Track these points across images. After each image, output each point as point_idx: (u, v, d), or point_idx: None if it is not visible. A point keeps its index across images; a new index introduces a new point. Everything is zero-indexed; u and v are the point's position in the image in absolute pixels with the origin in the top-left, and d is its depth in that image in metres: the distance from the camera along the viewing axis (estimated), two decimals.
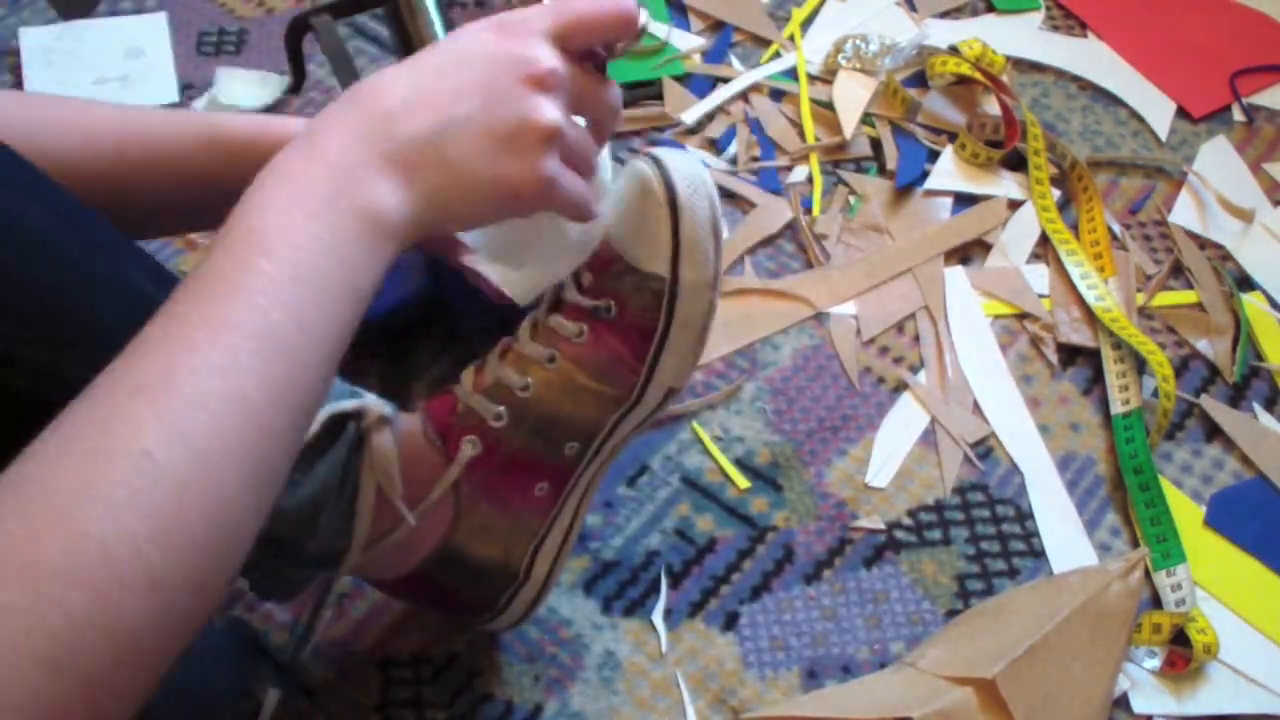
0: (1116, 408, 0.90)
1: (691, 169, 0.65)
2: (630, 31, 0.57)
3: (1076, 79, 1.14)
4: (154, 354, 0.44)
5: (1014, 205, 1.03)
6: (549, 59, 0.53)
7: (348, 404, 0.64)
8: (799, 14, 1.16)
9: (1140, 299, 0.98)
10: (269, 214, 0.48)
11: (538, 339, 0.67)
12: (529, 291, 0.67)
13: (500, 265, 0.67)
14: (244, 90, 1.07)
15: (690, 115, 1.07)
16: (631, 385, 0.67)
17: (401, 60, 0.56)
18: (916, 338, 0.95)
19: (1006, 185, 1.04)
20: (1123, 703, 0.78)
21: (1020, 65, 1.14)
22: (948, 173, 1.05)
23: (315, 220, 0.48)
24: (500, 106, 0.52)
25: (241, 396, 0.44)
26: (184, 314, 0.45)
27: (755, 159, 1.05)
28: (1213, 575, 0.83)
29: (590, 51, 0.57)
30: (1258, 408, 0.92)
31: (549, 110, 0.53)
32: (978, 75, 1.07)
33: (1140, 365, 0.92)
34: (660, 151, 0.65)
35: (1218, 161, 1.08)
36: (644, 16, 0.57)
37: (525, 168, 0.53)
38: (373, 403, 0.65)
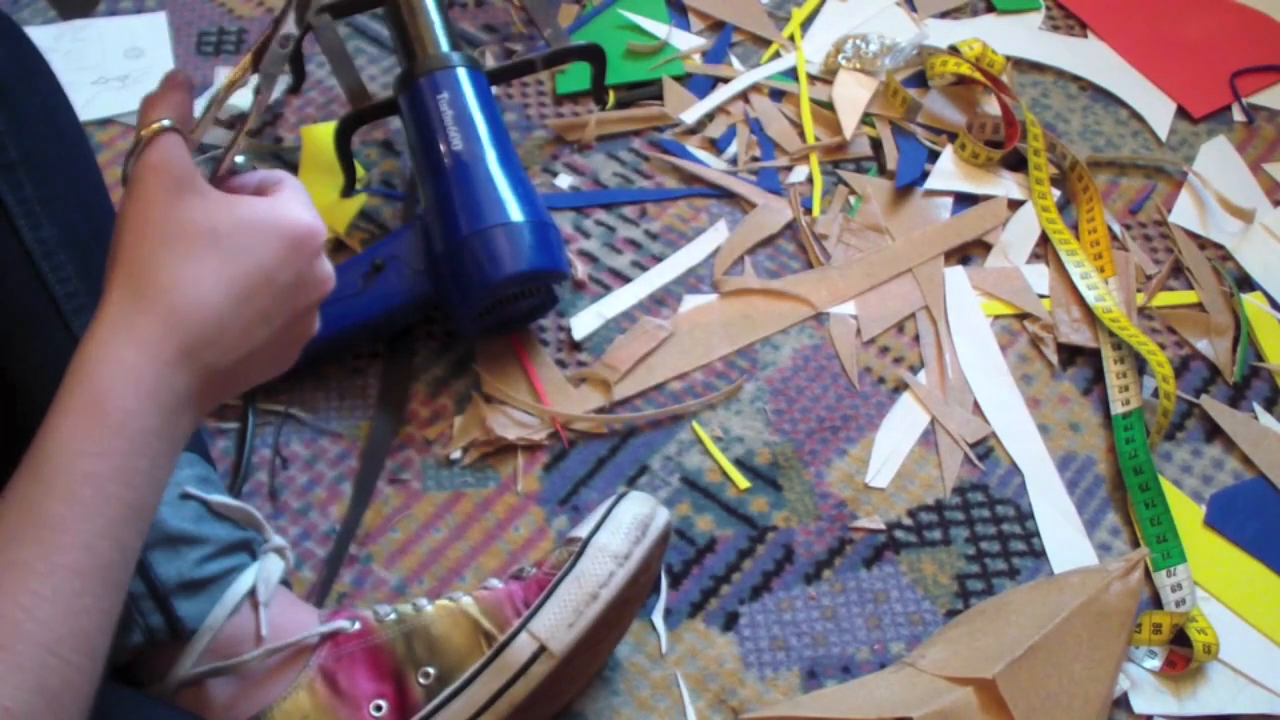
0: (1116, 408, 0.90)
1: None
2: None
3: (1076, 79, 1.14)
4: None
5: (1014, 205, 1.03)
6: (330, 277, 0.56)
7: (252, 535, 0.69)
8: (799, 14, 1.16)
9: (1140, 299, 0.98)
10: (91, 456, 0.47)
11: None
12: None
13: None
14: (243, 90, 1.06)
15: (690, 115, 1.07)
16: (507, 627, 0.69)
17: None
18: (916, 338, 0.95)
19: (1006, 185, 1.04)
20: (1123, 703, 0.78)
21: (1020, 65, 1.14)
22: (948, 173, 1.05)
23: (140, 455, 0.48)
24: (293, 327, 0.55)
25: (83, 635, 0.45)
26: (23, 560, 0.45)
27: (755, 159, 1.05)
28: (1213, 575, 0.83)
29: None
30: (1258, 408, 0.93)
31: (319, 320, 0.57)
32: (978, 75, 1.07)
33: (1140, 365, 0.92)
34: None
35: (1218, 161, 1.08)
36: None
37: (291, 358, 0.57)
38: (277, 540, 0.70)
